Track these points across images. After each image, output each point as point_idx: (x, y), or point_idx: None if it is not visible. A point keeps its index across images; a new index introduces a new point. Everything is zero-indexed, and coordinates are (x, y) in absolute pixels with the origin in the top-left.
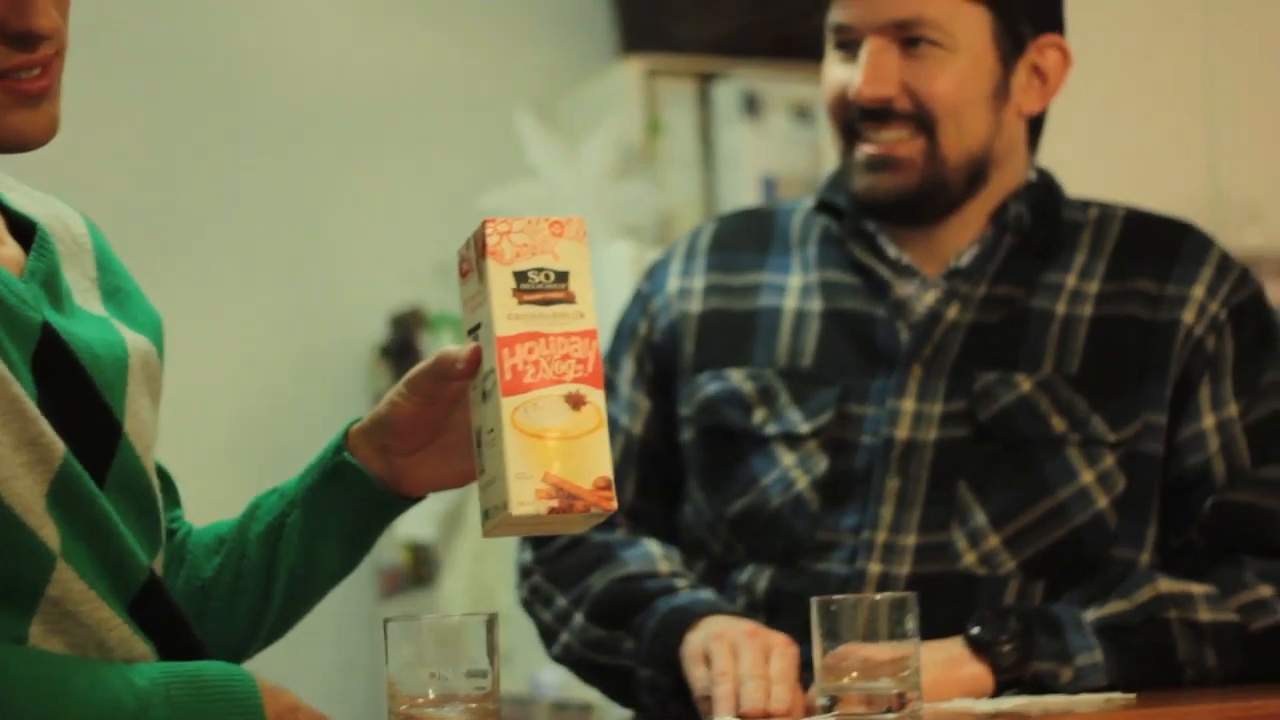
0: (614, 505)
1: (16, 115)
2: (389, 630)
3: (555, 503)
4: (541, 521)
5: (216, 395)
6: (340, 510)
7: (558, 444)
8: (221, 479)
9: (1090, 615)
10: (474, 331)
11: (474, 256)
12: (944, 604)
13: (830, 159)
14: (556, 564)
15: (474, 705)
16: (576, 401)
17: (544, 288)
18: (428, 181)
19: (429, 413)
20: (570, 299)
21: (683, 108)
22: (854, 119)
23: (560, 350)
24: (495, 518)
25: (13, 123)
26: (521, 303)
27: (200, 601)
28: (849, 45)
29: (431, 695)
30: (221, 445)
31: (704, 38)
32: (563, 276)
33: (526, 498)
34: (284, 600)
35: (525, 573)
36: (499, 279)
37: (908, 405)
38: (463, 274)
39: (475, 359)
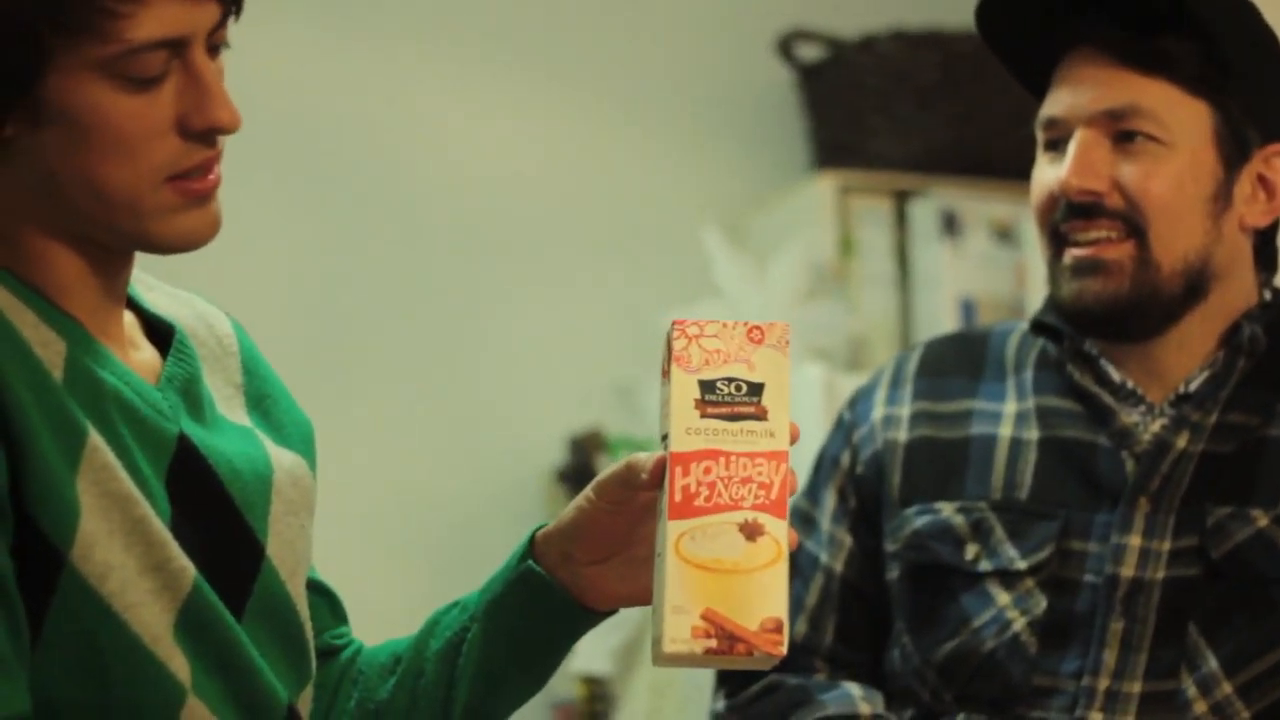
0: (783, 650)
1: (187, 217)
2: None
3: (713, 643)
4: (701, 660)
5: (387, 519)
6: (523, 622)
7: (724, 578)
8: (393, 605)
9: None
10: (665, 440)
11: (665, 359)
12: None
13: (1034, 282)
14: (750, 710)
15: None
16: (752, 531)
17: (732, 400)
18: (609, 300)
19: (616, 521)
20: (761, 415)
21: (877, 226)
22: (1060, 219)
23: (741, 472)
24: (654, 650)
25: (183, 225)
26: (704, 416)
27: None
28: (1059, 143)
29: None
30: (393, 570)
31: (900, 154)
32: (756, 389)
33: (681, 635)
34: None
35: None
36: (683, 388)
37: (1134, 541)
38: (663, 375)
39: (660, 469)
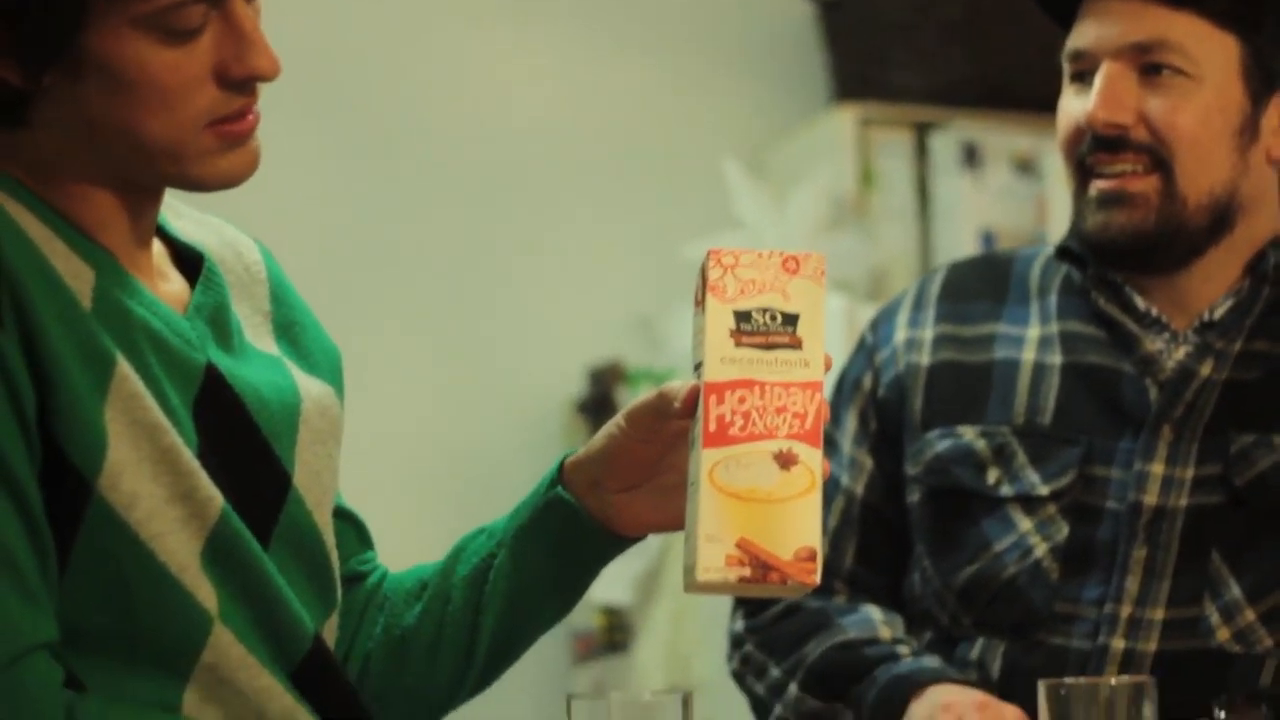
0: (815, 580)
1: (226, 158)
2: (573, 709)
3: (747, 571)
4: (734, 588)
5: (409, 447)
6: (550, 548)
7: (759, 507)
8: (413, 533)
9: None
10: (698, 369)
11: (699, 289)
12: (1194, 684)
13: (1056, 215)
14: (770, 632)
15: None
16: (787, 460)
17: (768, 330)
18: (630, 231)
19: (646, 450)
20: (796, 345)
21: (898, 158)
22: (1086, 151)
23: (776, 402)
24: (687, 578)
25: (222, 166)
26: (739, 345)
27: (400, 652)
28: (1086, 75)
29: None
30: (418, 502)
31: (921, 86)
32: (791, 319)
33: (714, 564)
34: (489, 650)
35: (737, 642)
36: (718, 317)
37: (1157, 469)
38: (696, 304)
39: (693, 398)
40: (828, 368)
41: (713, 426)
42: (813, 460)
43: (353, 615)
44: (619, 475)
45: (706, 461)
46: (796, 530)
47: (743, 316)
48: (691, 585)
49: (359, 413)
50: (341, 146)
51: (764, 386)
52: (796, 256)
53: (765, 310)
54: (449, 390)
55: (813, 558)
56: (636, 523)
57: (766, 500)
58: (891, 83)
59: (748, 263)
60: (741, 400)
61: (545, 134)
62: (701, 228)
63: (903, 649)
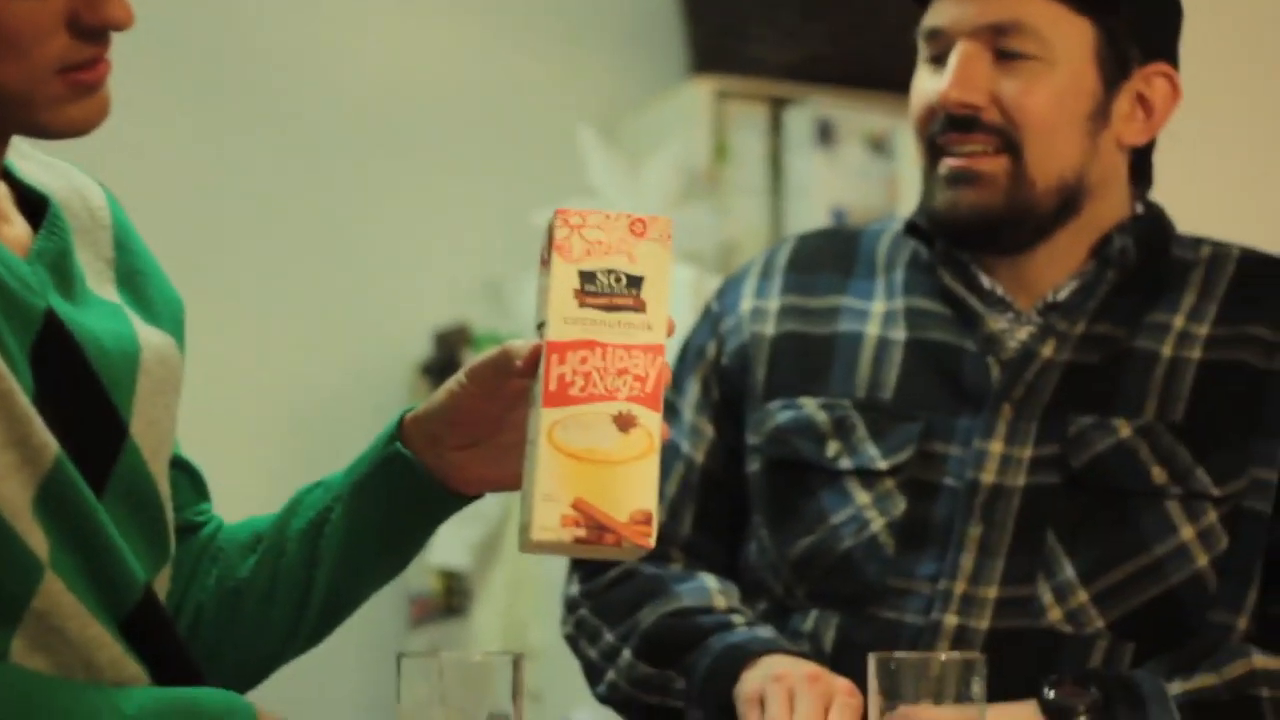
0: (650, 543)
1: (76, 106)
2: (403, 667)
3: (582, 532)
4: (570, 548)
5: (252, 405)
6: (387, 503)
7: (596, 468)
8: (255, 492)
9: (1176, 688)
10: (541, 328)
11: (546, 248)
12: (1024, 663)
13: (907, 194)
14: (604, 597)
15: None
16: (626, 423)
17: (611, 292)
18: (480, 196)
19: (487, 406)
20: (639, 307)
21: (752, 132)
22: (938, 131)
23: (618, 364)
24: (522, 537)
25: (72, 114)
26: (583, 305)
27: (233, 604)
28: (941, 57)
29: None
30: (256, 457)
31: (778, 61)
32: (635, 281)
33: (550, 523)
34: (323, 604)
35: (571, 606)
36: (563, 277)
37: (995, 447)
38: (541, 263)
39: (535, 357)
40: (671, 332)
41: (553, 386)
42: (652, 423)
43: (186, 566)
44: (458, 432)
45: (546, 420)
46: (633, 492)
47: (588, 277)
48: (526, 544)
49: (203, 364)
50: (191, 99)
51: (606, 348)
52: (644, 219)
53: (610, 272)
54: (294, 346)
55: (648, 520)
56: (474, 480)
57: (604, 461)
58: (749, 56)
59: (595, 223)
60: (583, 360)
61: (398, 93)
62: (554, 194)
63: (737, 618)
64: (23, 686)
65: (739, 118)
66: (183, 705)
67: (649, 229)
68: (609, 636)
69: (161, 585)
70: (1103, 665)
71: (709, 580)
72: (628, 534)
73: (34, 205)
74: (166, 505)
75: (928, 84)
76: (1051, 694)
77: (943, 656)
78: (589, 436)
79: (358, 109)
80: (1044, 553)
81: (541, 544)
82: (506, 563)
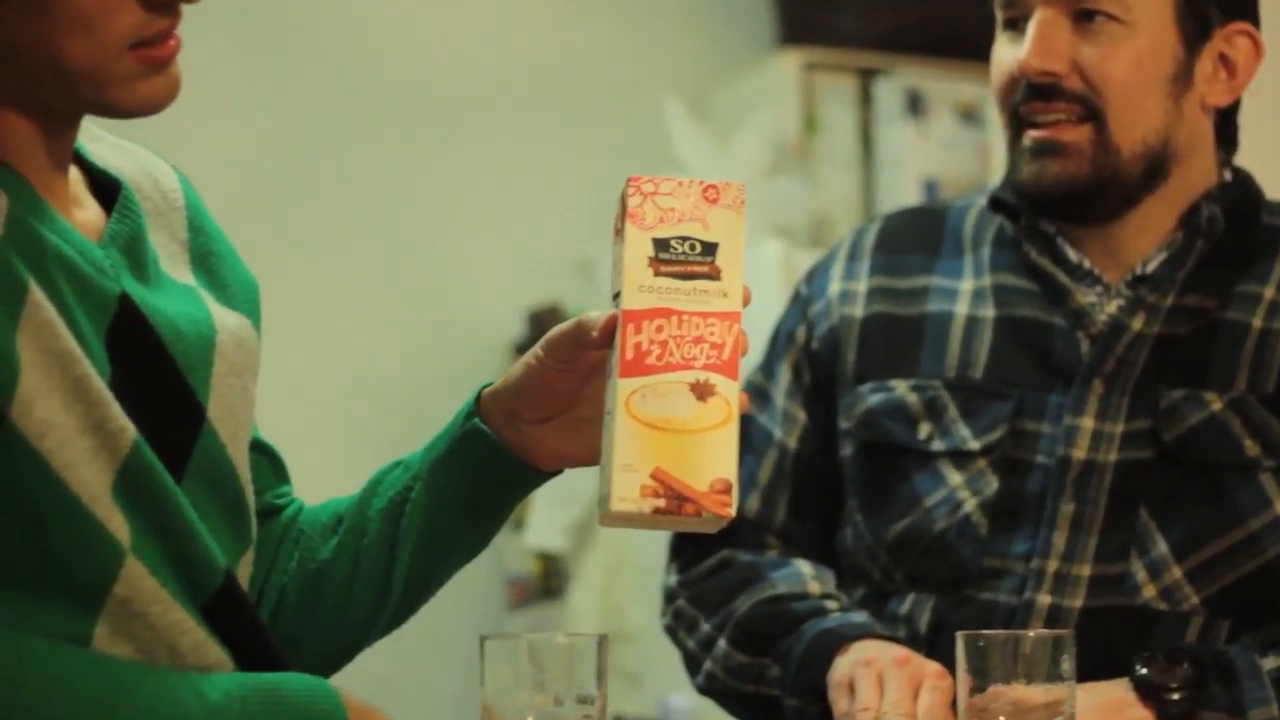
0: (731, 512)
1: (147, 84)
2: (487, 649)
3: (661, 503)
4: (650, 520)
5: (345, 387)
6: (467, 480)
7: (674, 437)
8: (346, 475)
9: (1270, 663)
10: (617, 298)
11: (619, 217)
12: (1119, 641)
13: (998, 164)
14: (701, 587)
15: None
16: (703, 391)
17: (686, 259)
18: (571, 174)
19: (564, 379)
20: (714, 275)
21: (841, 104)
22: (1020, 100)
23: (694, 332)
24: (601, 509)
25: (143, 91)
26: (658, 274)
27: (315, 586)
28: (1019, 23)
29: None
30: (348, 440)
31: (867, 32)
32: (710, 249)
33: (629, 494)
34: (406, 584)
35: (670, 596)
36: (636, 245)
37: (1087, 423)
38: (615, 233)
39: (611, 328)
40: (747, 301)
41: (629, 355)
42: (729, 391)
43: (268, 549)
44: (535, 406)
45: (623, 390)
46: (712, 462)
47: (662, 245)
48: (606, 516)
49: (290, 347)
50: (269, 77)
51: (682, 316)
52: (717, 185)
53: (685, 239)
54: (384, 330)
55: (728, 490)
56: (552, 455)
57: (682, 431)
58: (837, 28)
59: (668, 191)
60: (659, 329)
61: (485, 70)
62: (643, 169)
63: (831, 604)
64: (106, 674)
65: (828, 89)
66: (268, 690)
67: (722, 195)
68: (706, 626)
69: (244, 570)
70: (1197, 642)
71: (804, 566)
72: (708, 503)
73: (106, 188)
74: (247, 489)
75: (1007, 53)
76: (1143, 670)
77: (1031, 634)
78: (666, 405)
79: (444, 87)
80: (1137, 529)
81: (621, 515)
82: (603, 544)
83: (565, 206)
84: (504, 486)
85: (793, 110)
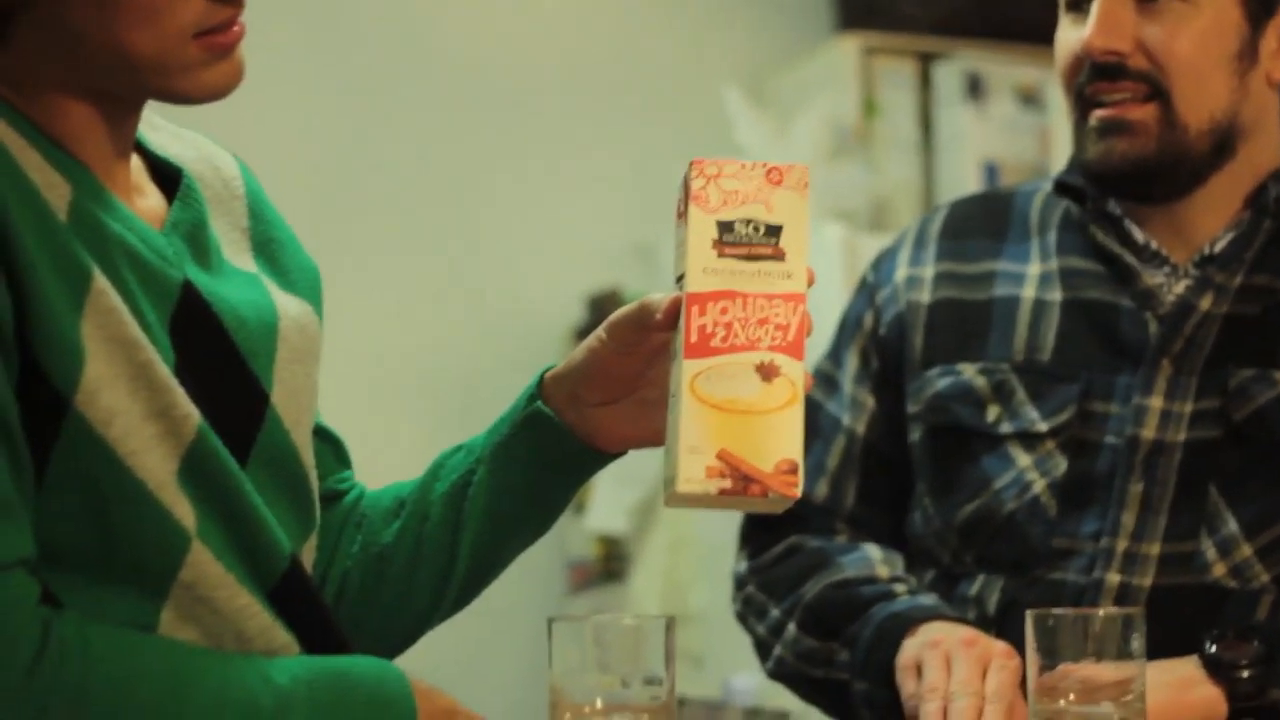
0: (797, 492)
1: (212, 71)
2: (554, 631)
3: (727, 483)
4: (715, 500)
5: (407, 374)
6: (529, 463)
7: (740, 418)
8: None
9: None
10: (680, 281)
11: (682, 200)
12: (1189, 619)
13: (1059, 147)
14: (770, 573)
15: (646, 717)
16: (769, 373)
17: (750, 241)
18: (630, 158)
19: (627, 362)
20: (779, 256)
21: (901, 88)
22: (1085, 81)
23: (759, 313)
24: (667, 490)
25: (208, 79)
26: (722, 256)
27: (378, 570)
28: (1082, 4)
29: (599, 705)
30: (409, 425)
31: (925, 16)
32: (774, 231)
33: (695, 474)
34: (469, 567)
35: (740, 583)
36: (700, 228)
37: (1155, 403)
38: (678, 216)
39: (675, 310)
40: (811, 282)
41: (694, 337)
42: (795, 372)
43: (330, 534)
44: (599, 388)
45: (688, 372)
46: (778, 442)
47: (725, 227)
48: (672, 498)
49: (353, 333)
50: (329, 65)
51: (746, 298)
52: (780, 167)
53: (749, 221)
54: (446, 314)
55: (794, 470)
56: (616, 437)
57: (748, 412)
58: (896, 12)
59: (731, 173)
60: (723, 311)
61: (545, 58)
62: (703, 155)
63: (899, 587)
64: (176, 660)
65: (887, 74)
66: (335, 674)
67: (785, 177)
68: (775, 612)
69: (308, 555)
70: (1267, 620)
71: (872, 551)
72: (774, 484)
73: (167, 176)
74: (311, 474)
75: (1071, 34)
76: (1213, 649)
77: (1101, 612)
78: (732, 387)
79: (505, 74)
80: (1206, 508)
81: (687, 496)
82: (665, 526)
83: (625, 192)
84: (567, 469)
85: (852, 95)
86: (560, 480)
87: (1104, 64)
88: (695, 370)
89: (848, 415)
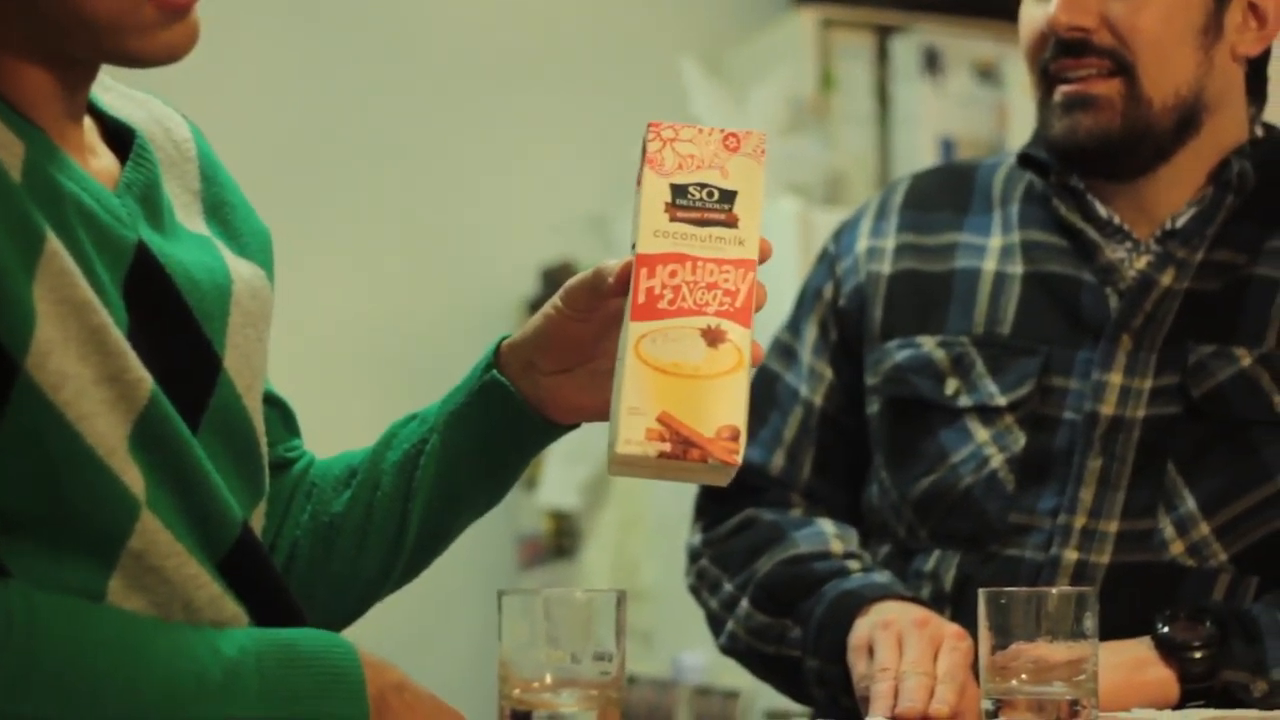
0: (737, 459)
1: (167, 32)
2: (504, 605)
3: (667, 446)
4: (655, 465)
5: (358, 342)
6: (483, 432)
7: (683, 382)
8: (359, 429)
9: None
10: (635, 247)
11: (639, 164)
12: (1146, 598)
13: (1016, 123)
14: (724, 546)
15: (595, 692)
16: (714, 338)
17: (703, 206)
18: (585, 130)
19: (581, 329)
20: (731, 223)
21: (858, 61)
22: (1050, 57)
23: (707, 278)
24: (609, 454)
25: (163, 39)
26: (674, 220)
27: (327, 539)
28: None
29: (549, 679)
30: (361, 394)
31: None
32: (728, 196)
33: (635, 436)
34: (418, 536)
35: (693, 556)
36: (653, 190)
37: (1115, 379)
38: (636, 185)
39: (626, 275)
40: (767, 251)
41: (641, 299)
42: (741, 339)
43: (279, 503)
44: (553, 357)
45: (633, 334)
46: (721, 408)
47: (679, 190)
48: (613, 460)
49: (305, 299)
50: (289, 34)
51: (696, 262)
52: (737, 134)
53: (703, 186)
54: (398, 283)
55: (735, 437)
56: (569, 407)
57: (692, 376)
58: None
59: (688, 137)
60: (672, 274)
61: (500, 30)
62: None
63: (853, 564)
64: (121, 629)
65: (844, 47)
66: (283, 646)
67: (742, 144)
68: (728, 586)
69: (257, 522)
70: (1225, 600)
71: (826, 526)
72: (714, 450)
73: (120, 137)
74: (261, 440)
75: (1035, 10)
76: (1165, 629)
77: (1054, 592)
78: (677, 350)
79: (460, 46)
80: (1165, 485)
81: (626, 459)
82: (616, 503)
83: (580, 164)
84: (520, 439)
85: (809, 68)
86: (513, 450)
87: (1069, 40)
88: (641, 332)
89: (805, 387)
